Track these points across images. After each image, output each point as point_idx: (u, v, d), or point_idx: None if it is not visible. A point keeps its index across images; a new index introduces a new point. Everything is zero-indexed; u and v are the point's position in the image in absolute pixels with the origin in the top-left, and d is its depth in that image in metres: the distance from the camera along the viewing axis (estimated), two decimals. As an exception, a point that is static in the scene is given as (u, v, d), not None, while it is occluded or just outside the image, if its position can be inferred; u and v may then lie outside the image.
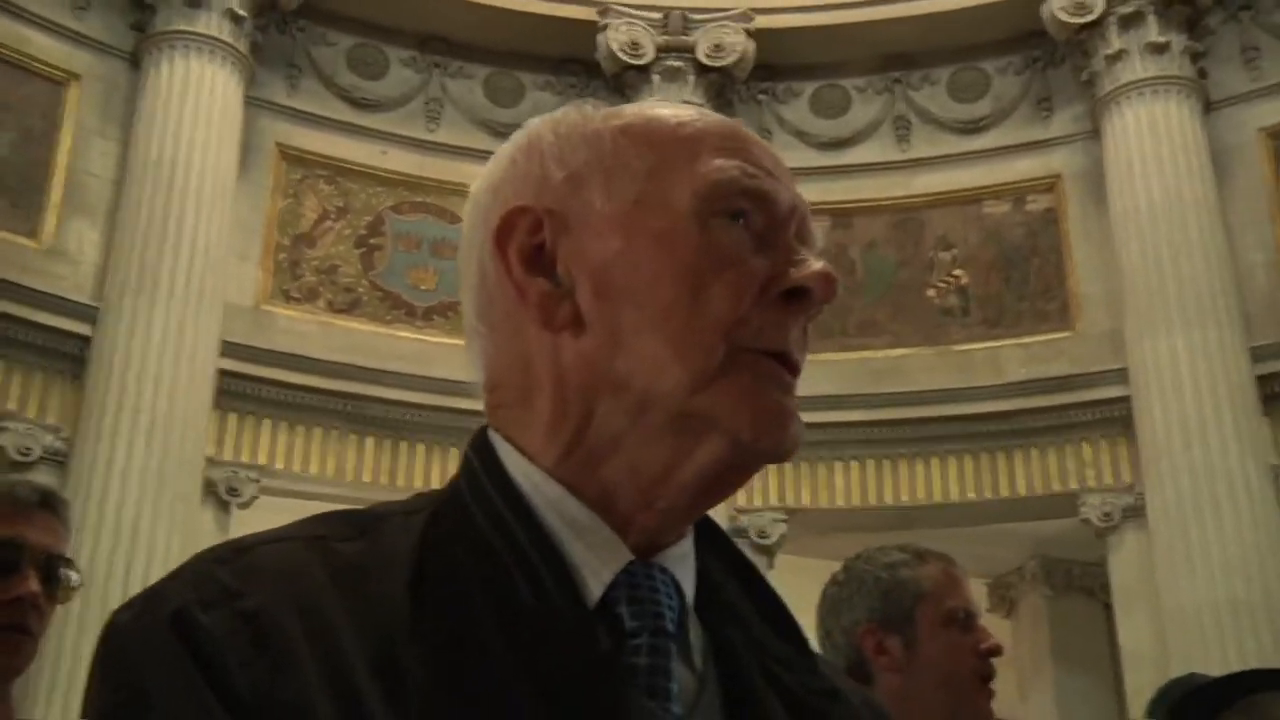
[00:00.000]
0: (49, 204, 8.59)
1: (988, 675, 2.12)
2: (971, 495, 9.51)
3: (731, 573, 0.96)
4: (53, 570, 1.93)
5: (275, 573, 0.80)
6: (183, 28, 9.05)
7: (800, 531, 9.48)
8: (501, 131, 10.22)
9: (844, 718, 0.94)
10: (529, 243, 0.91)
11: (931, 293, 10.01)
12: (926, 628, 2.10)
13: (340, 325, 9.34)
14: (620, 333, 0.87)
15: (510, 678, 0.79)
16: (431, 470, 9.09)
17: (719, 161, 0.90)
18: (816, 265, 0.90)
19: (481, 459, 0.91)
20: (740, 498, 9.44)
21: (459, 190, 10.00)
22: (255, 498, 8.66)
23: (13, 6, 8.82)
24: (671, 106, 0.96)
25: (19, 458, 7.99)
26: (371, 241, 9.72)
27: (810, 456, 9.54)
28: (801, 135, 10.47)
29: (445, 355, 9.18)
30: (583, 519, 0.87)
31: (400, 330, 9.42)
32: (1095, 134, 9.84)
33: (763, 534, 9.38)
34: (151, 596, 0.79)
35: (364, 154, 9.83)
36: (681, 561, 0.91)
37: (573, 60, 10.45)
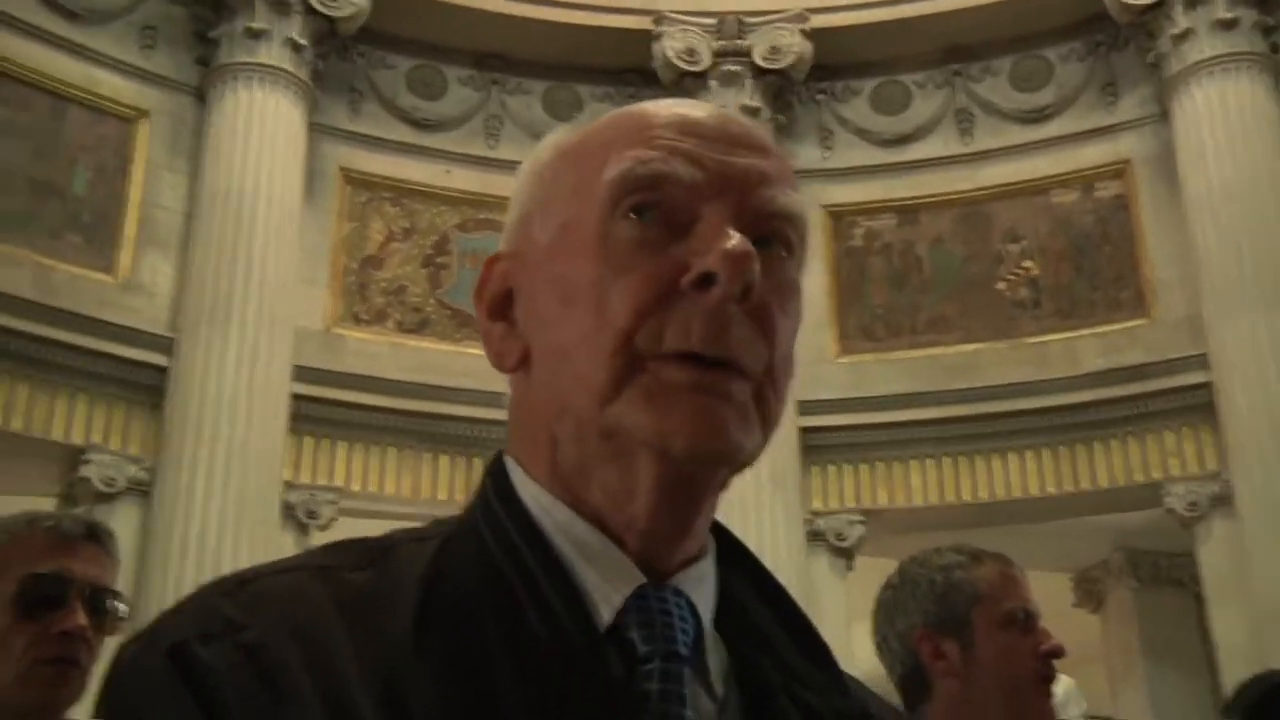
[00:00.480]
0: (124, 239, 8.78)
1: (1049, 677, 2.07)
2: (1051, 489, 9.36)
3: (758, 594, 0.93)
4: (100, 603, 1.95)
5: (279, 604, 0.79)
6: (245, 59, 9.20)
7: (879, 533, 9.39)
8: (561, 145, 10.27)
9: None
10: (499, 290, 0.93)
11: (1001, 286, 9.87)
12: (984, 630, 2.06)
13: (410, 345, 9.43)
14: (547, 362, 0.88)
15: (518, 707, 0.77)
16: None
17: (615, 159, 0.86)
18: (727, 243, 0.81)
19: (495, 483, 0.91)
20: (816, 500, 9.40)
21: (522, 205, 10.06)
22: (334, 519, 8.77)
23: (85, 50, 9.03)
24: (637, 106, 0.92)
25: (104, 489, 8.16)
26: (438, 261, 9.80)
27: (885, 456, 9.47)
28: (863, 133, 10.39)
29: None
30: (593, 542, 0.86)
31: (470, 347, 9.48)
32: (1164, 116, 9.65)
33: (840, 536, 9.31)
34: (153, 630, 0.79)
35: (427, 174, 9.92)
36: (699, 583, 0.88)
37: (630, 70, 10.46)
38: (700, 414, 0.81)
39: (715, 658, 0.88)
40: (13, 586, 1.90)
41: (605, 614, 0.84)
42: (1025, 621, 2.08)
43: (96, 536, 2.01)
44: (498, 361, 0.92)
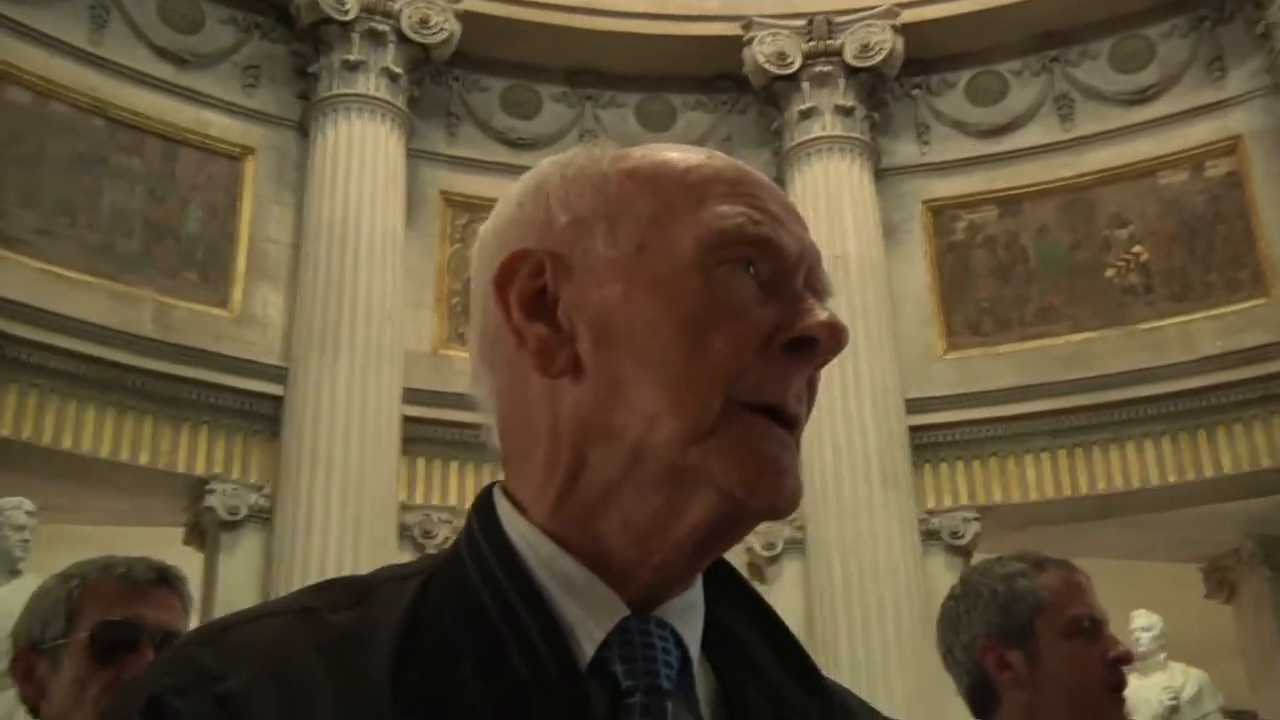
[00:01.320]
0: (236, 273, 9.06)
1: (1119, 685, 2.04)
2: (1173, 478, 9.12)
3: (751, 621, 0.93)
4: None
5: (258, 651, 0.80)
6: (344, 91, 9.42)
7: (995, 529, 9.25)
8: (657, 156, 10.32)
9: None
10: (530, 287, 0.90)
11: (1110, 272, 9.65)
12: (1049, 639, 2.03)
13: (517, 362, 9.54)
14: (618, 381, 0.85)
15: None
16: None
17: (724, 208, 0.88)
18: (822, 315, 0.88)
19: (480, 518, 0.91)
20: (929, 499, 9.30)
21: (621, 218, 10.13)
22: (448, 538, 8.90)
23: (193, 93, 9.34)
24: (681, 150, 0.94)
25: (228, 517, 8.42)
26: (540, 277, 9.90)
27: (998, 451, 9.32)
28: (960, 126, 10.25)
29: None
30: (576, 576, 0.86)
31: (576, 362, 9.57)
32: (1276, 89, 9.36)
33: (955, 534, 9.18)
34: (130, 684, 0.81)
35: (525, 193, 10.02)
36: (685, 613, 0.88)
37: (722, 77, 10.47)
38: (782, 473, 0.85)
39: (704, 686, 0.88)
40: (87, 633, 1.96)
41: (588, 648, 0.84)
42: (1091, 629, 2.05)
43: (168, 581, 2.06)
44: (542, 365, 0.88)
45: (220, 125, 9.41)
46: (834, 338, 0.87)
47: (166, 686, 0.78)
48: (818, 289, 0.91)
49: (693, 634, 0.89)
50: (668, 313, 0.85)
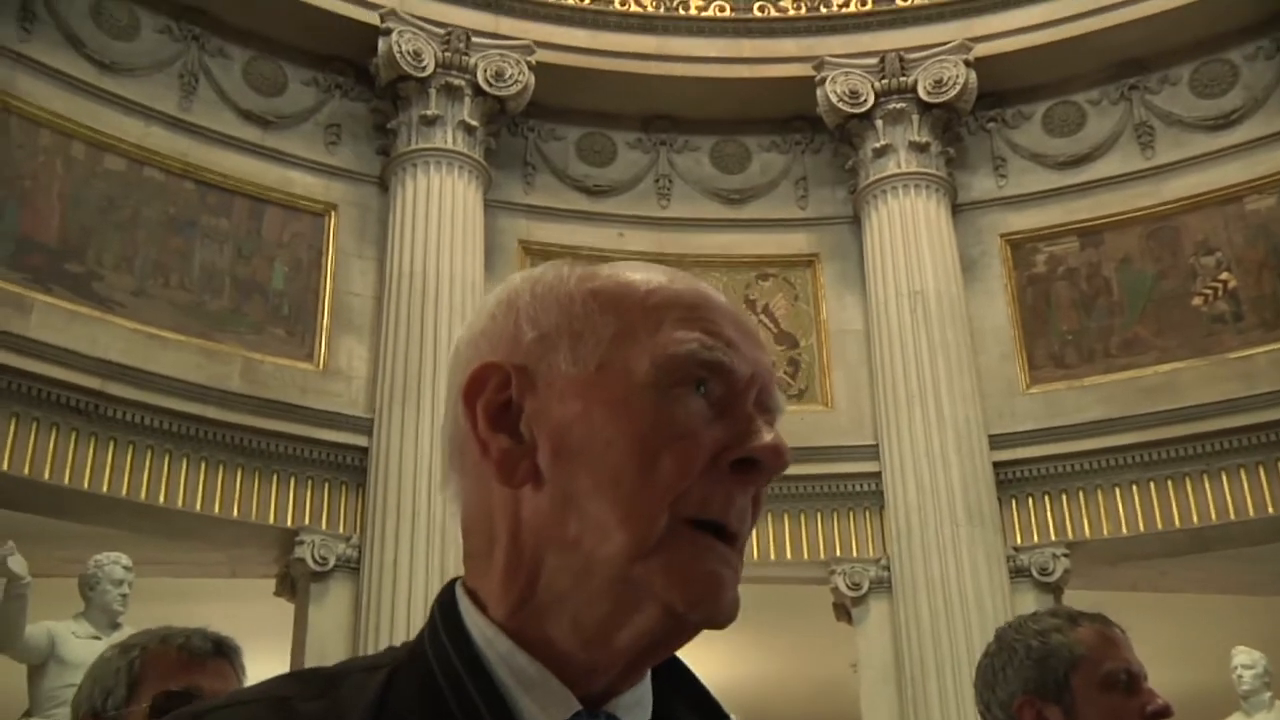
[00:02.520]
0: (320, 327, 9.26)
1: None
2: (1271, 510, 8.87)
3: (697, 711, 0.98)
4: None
5: None
6: (422, 146, 9.62)
7: (1086, 565, 9.09)
8: (733, 199, 10.38)
9: None
10: (496, 399, 0.94)
11: (1197, 301, 9.48)
12: (1085, 694, 2.03)
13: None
14: (573, 494, 0.90)
15: None
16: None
17: (679, 333, 0.93)
18: (768, 437, 0.92)
19: (443, 614, 0.95)
20: (1017, 535, 9.17)
21: (699, 261, 10.19)
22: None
23: (278, 153, 9.61)
24: (645, 270, 0.99)
25: (317, 567, 8.58)
26: (619, 323, 9.97)
27: (1085, 485, 9.17)
28: (1038, 158, 10.16)
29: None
30: (531, 673, 0.90)
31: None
32: (1365, 108, 9.17)
33: (1044, 571, 9.04)
34: None
35: (602, 239, 10.14)
36: (633, 708, 0.93)
37: (796, 118, 10.51)
38: (722, 588, 0.90)
39: None
40: (147, 703, 2.04)
41: None
42: (1128, 682, 2.04)
43: (224, 652, 2.13)
44: (504, 475, 0.92)
45: (304, 183, 9.66)
46: (777, 459, 0.92)
47: None
48: (768, 407, 0.95)
49: None
50: (622, 431, 0.90)
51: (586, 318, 0.95)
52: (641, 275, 0.98)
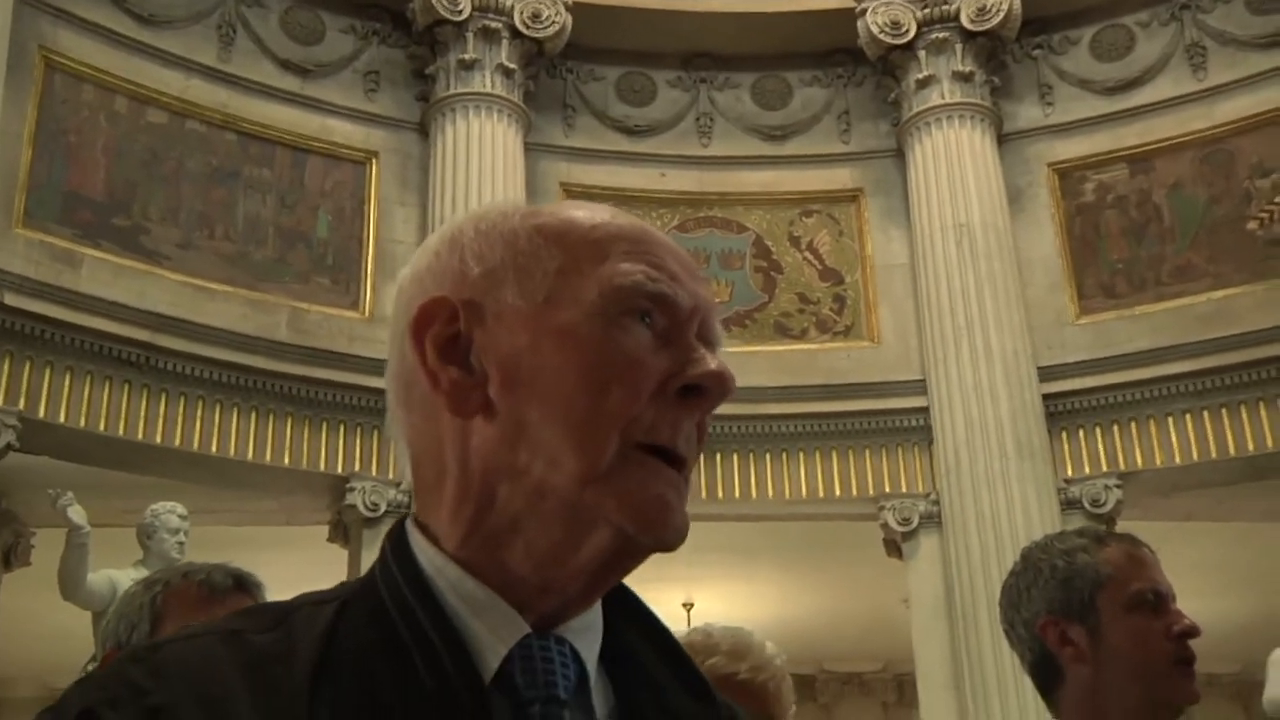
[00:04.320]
0: (365, 275, 9.31)
1: (1187, 658, 1.99)
2: (1329, 435, 8.75)
3: (647, 639, 1.00)
4: None
5: (185, 668, 0.86)
6: (461, 90, 9.59)
7: (1138, 496, 9.01)
8: (775, 135, 10.28)
9: None
10: (445, 332, 0.96)
11: (1252, 225, 9.29)
12: (1111, 614, 2.00)
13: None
14: (524, 423, 0.92)
15: None
16: (737, 480, 9.26)
17: (625, 265, 0.95)
18: (712, 364, 0.95)
19: (393, 546, 0.97)
20: (1068, 467, 9.09)
21: (741, 200, 10.13)
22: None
23: (318, 102, 9.63)
24: (587, 208, 1.01)
25: (368, 513, 8.67)
26: (663, 263, 9.94)
27: (1137, 415, 9.07)
28: (1085, 84, 9.96)
29: (747, 364, 9.31)
30: (481, 597, 0.92)
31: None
32: None
33: (1096, 502, 8.96)
34: (65, 698, 0.87)
35: (643, 179, 10.08)
36: (584, 633, 0.95)
37: (837, 51, 10.37)
38: (670, 511, 0.92)
39: (600, 700, 0.95)
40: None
41: (492, 662, 0.91)
42: (1155, 602, 2.01)
43: (245, 587, 2.16)
44: (454, 406, 0.94)
45: (344, 132, 9.67)
46: (721, 385, 0.94)
47: (99, 699, 0.84)
48: (709, 339, 0.98)
49: (589, 651, 0.96)
50: (570, 359, 0.92)
51: (532, 252, 0.97)
52: (585, 212, 1.00)
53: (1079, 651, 2.01)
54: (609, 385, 0.91)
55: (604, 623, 0.98)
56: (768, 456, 9.42)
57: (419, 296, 0.98)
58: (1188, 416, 9.00)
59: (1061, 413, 9.13)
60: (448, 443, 0.95)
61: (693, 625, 2.48)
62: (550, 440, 0.90)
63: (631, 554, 0.93)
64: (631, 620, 1.00)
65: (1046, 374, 9.13)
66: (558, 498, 0.90)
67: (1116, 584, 2.01)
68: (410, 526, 0.98)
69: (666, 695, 0.96)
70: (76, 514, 7.78)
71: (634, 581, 0.99)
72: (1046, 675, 2.06)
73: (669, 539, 0.91)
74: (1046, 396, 9.07)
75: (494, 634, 0.91)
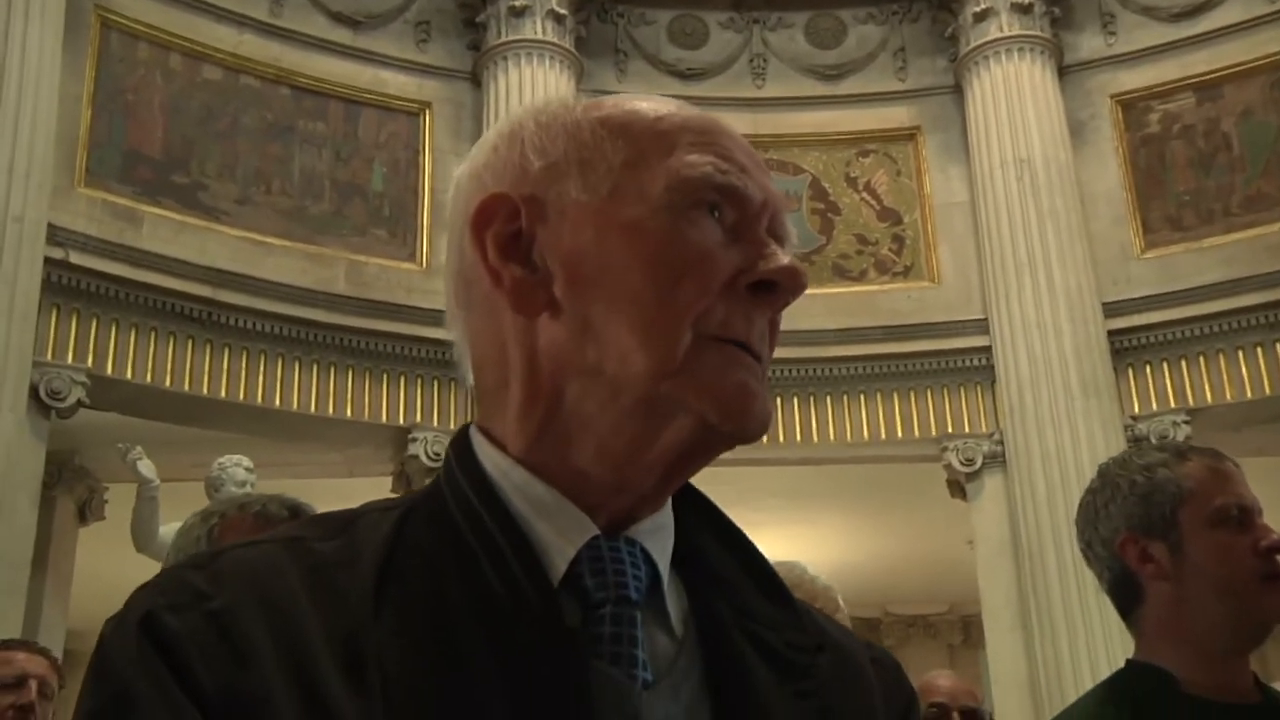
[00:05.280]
0: (421, 227, 9.32)
1: (1275, 573, 1.93)
2: (1406, 367, 8.54)
3: (721, 543, 0.97)
4: None
5: (244, 574, 0.85)
6: (512, 38, 9.54)
7: (1207, 431, 8.83)
8: (829, 75, 10.14)
9: (829, 666, 0.95)
10: (506, 229, 0.93)
11: (1325, 151, 9.05)
12: (1193, 530, 1.94)
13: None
14: (591, 320, 0.89)
15: (478, 656, 0.82)
16: (798, 424, 9.22)
17: (693, 157, 0.92)
18: (784, 259, 0.91)
19: (457, 452, 0.95)
20: (1135, 403, 8.96)
21: (797, 141, 10.01)
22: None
23: (369, 54, 9.62)
24: (651, 100, 0.98)
25: (431, 464, 8.69)
26: (719, 207, 9.88)
27: (1206, 350, 8.90)
28: (1149, 11, 9.71)
29: (806, 307, 9.22)
30: (548, 500, 0.90)
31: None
32: None
33: (1164, 439, 8.80)
34: (129, 604, 0.86)
35: (698, 123, 9.97)
36: (655, 534, 0.93)
37: (892, -14, 10.20)
38: (753, 398, 0.89)
39: (675, 602, 0.93)
40: None
41: (560, 565, 0.88)
42: (1240, 518, 1.94)
43: (299, 517, 2.16)
44: (518, 304, 0.91)
45: (397, 83, 9.66)
46: (793, 280, 0.91)
47: (160, 604, 0.83)
48: (780, 235, 0.94)
49: (662, 552, 0.93)
50: (638, 254, 0.89)
51: (596, 145, 0.93)
52: (650, 104, 0.97)
53: (1160, 569, 1.95)
54: (678, 279, 0.88)
55: (675, 525, 0.95)
56: (828, 399, 9.36)
57: (478, 193, 0.95)
58: (1259, 350, 8.82)
59: (1127, 349, 8.99)
60: (512, 343, 0.92)
61: None
62: (619, 338, 0.88)
63: (710, 445, 0.90)
64: (704, 522, 0.98)
65: (1111, 310, 8.99)
66: (632, 394, 0.88)
67: (1199, 499, 1.95)
68: (474, 432, 0.96)
69: (741, 597, 0.94)
70: (146, 468, 7.90)
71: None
72: (1126, 594, 2.00)
73: (752, 427, 0.89)
74: (1112, 333, 8.93)
75: (561, 536, 0.89)
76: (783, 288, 0.91)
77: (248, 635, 0.81)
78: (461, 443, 0.96)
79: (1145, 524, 1.96)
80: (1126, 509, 1.98)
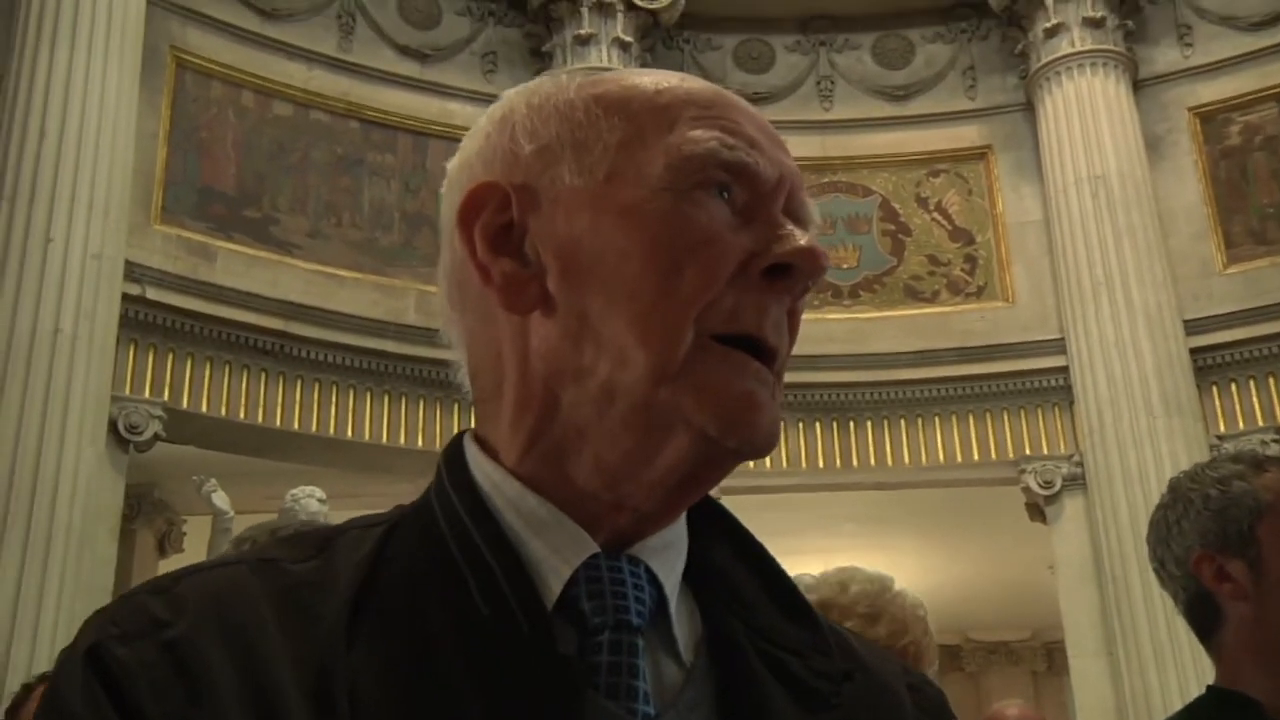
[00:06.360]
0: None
1: None
2: None
3: (740, 558, 0.89)
4: None
5: (207, 599, 0.78)
6: (578, 66, 9.49)
7: (1298, 451, 8.59)
8: (898, 95, 10.05)
9: (856, 698, 0.85)
10: (495, 221, 0.86)
11: None
12: (1274, 545, 1.83)
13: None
14: (586, 317, 0.82)
15: (461, 686, 0.75)
16: (872, 448, 9.09)
17: (696, 132, 0.84)
18: (801, 240, 0.83)
19: (448, 462, 0.88)
20: (1220, 422, 8.73)
21: (866, 163, 9.92)
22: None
23: (437, 86, 9.71)
24: (652, 74, 0.90)
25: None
26: (786, 231, 9.82)
27: (1295, 364, 8.66)
28: (1227, 21, 9.51)
29: (878, 330, 9.17)
30: (543, 515, 0.83)
31: (830, 313, 9.43)
32: None
33: (1251, 459, 8.57)
34: (81, 631, 0.80)
35: (766, 147, 9.93)
36: (663, 551, 0.85)
37: (960, 4, 10.11)
38: (759, 410, 0.81)
39: (685, 625, 0.85)
40: None
41: (554, 586, 0.81)
42: None
43: None
44: (508, 301, 0.84)
45: (464, 114, 9.71)
46: (811, 263, 0.83)
47: (112, 634, 0.77)
48: (798, 215, 0.86)
49: (670, 572, 0.85)
50: (637, 240, 0.81)
51: (591, 124, 0.86)
52: (649, 77, 0.89)
53: (1239, 588, 1.84)
54: (680, 267, 0.80)
55: (690, 539, 0.88)
56: (902, 423, 9.23)
57: (468, 184, 0.88)
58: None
59: (1211, 366, 8.76)
60: (505, 345, 0.85)
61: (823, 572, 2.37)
62: (616, 334, 0.80)
63: (715, 462, 0.82)
64: (720, 534, 0.90)
65: (1193, 327, 8.78)
66: (628, 400, 0.80)
67: (1278, 511, 1.85)
68: (468, 441, 0.89)
69: (761, 618, 0.86)
70: (220, 499, 7.98)
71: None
72: (1203, 616, 1.89)
73: (758, 442, 0.81)
74: (1194, 350, 8.71)
75: (557, 554, 0.82)
76: (800, 271, 0.83)
77: (207, 666, 0.74)
78: (453, 452, 0.89)
79: (1221, 540, 1.86)
80: (1200, 525, 1.88)
